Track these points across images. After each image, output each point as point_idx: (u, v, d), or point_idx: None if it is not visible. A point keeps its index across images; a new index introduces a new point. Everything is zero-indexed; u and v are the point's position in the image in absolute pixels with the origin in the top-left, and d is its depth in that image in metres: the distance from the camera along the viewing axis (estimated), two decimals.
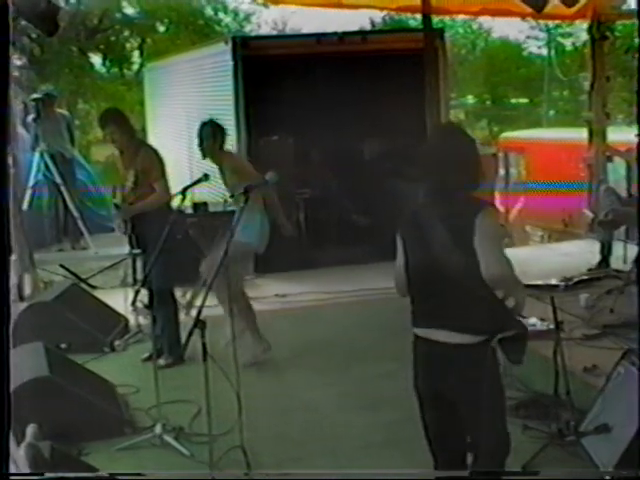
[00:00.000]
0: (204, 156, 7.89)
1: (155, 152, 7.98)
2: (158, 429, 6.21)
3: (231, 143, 11.26)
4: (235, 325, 7.82)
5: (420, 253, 4.20)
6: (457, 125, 5.08)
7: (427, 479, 4.96)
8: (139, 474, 4.87)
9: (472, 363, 4.07)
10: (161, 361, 7.57)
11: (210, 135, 7.77)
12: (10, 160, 9.88)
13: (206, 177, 7.52)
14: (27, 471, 4.15)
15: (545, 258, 11.46)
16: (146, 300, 7.62)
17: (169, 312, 7.87)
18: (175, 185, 7.76)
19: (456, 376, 4.14)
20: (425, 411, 4.43)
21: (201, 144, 7.81)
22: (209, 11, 35.61)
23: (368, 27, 33.49)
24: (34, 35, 25.82)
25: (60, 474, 4.42)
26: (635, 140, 9.76)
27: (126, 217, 7.81)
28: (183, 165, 12.52)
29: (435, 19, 11.28)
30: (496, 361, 4.15)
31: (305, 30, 29.82)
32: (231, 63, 11.07)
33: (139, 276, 9.88)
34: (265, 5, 23.84)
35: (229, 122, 11.31)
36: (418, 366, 4.32)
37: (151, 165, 7.81)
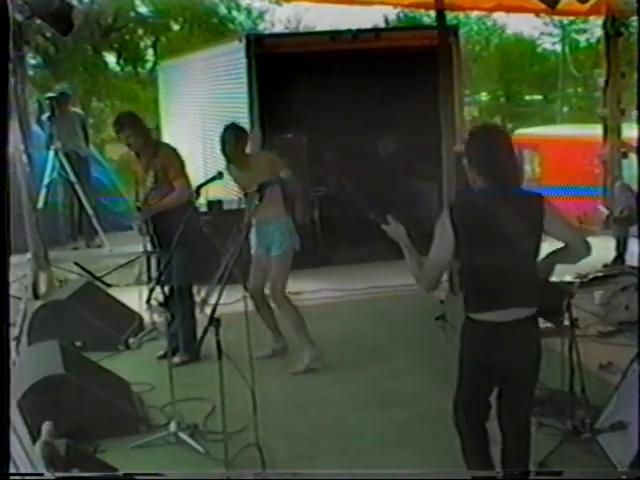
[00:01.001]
0: (229, 161, 7.82)
1: (174, 150, 8.00)
2: (173, 427, 6.22)
3: None
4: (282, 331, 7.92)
5: (487, 243, 4.46)
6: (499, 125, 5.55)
7: (443, 479, 4.97)
8: (156, 474, 4.88)
9: (528, 333, 4.64)
10: (176, 359, 7.58)
11: (234, 139, 7.70)
12: (25, 159, 10.00)
13: (220, 175, 7.54)
14: (43, 469, 4.15)
15: None
16: (161, 298, 7.62)
17: (185, 309, 7.88)
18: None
19: (516, 348, 4.58)
20: (479, 388, 4.69)
21: (224, 149, 7.76)
22: (223, 9, 35.63)
23: (382, 24, 33.46)
24: (49, 34, 25.93)
25: (60, 474, 4.42)
26: None
27: (147, 217, 7.82)
28: (197, 163, 12.53)
29: (449, 16, 11.28)
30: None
31: (319, 28, 29.77)
32: (245, 61, 11.08)
33: (154, 274, 9.92)
34: (278, 3, 23.76)
35: (243, 120, 11.32)
36: (477, 348, 4.58)
37: (170, 164, 7.83)
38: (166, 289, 7.26)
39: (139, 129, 7.88)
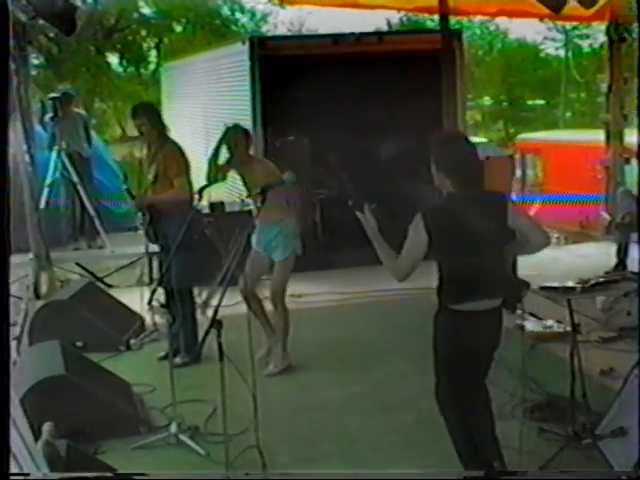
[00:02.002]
0: (229, 162, 7.79)
1: (179, 149, 7.93)
2: (174, 428, 6.22)
3: None
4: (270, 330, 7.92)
5: (460, 243, 4.83)
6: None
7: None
8: (142, 474, 4.87)
9: (499, 322, 5.04)
10: (178, 360, 7.58)
11: (240, 140, 7.69)
12: (27, 159, 10.00)
13: (224, 177, 7.54)
14: (45, 469, 4.14)
15: (562, 260, 11.41)
16: (162, 299, 7.62)
17: (187, 311, 7.87)
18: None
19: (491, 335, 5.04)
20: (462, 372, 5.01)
21: (229, 150, 7.74)
22: (226, 11, 35.72)
23: (385, 28, 33.53)
24: (52, 34, 25.96)
25: (60, 474, 4.41)
26: None
27: (139, 207, 7.78)
28: (199, 165, 12.51)
29: (452, 20, 11.25)
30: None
31: (321, 31, 29.88)
32: (248, 63, 11.08)
33: (155, 275, 9.93)
34: (281, 5, 23.79)
35: (246, 122, 11.32)
36: (457, 335, 4.91)
37: (172, 161, 7.78)
38: (168, 290, 7.27)
39: (154, 119, 7.86)
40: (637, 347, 6.76)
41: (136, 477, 4.77)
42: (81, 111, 13.87)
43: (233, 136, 7.70)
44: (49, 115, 12.25)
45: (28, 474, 3.97)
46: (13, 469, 3.70)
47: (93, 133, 14.11)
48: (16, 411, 3.86)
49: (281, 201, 7.44)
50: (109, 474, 4.95)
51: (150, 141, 7.86)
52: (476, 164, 4.99)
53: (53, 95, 12.58)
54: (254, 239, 7.84)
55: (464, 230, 4.80)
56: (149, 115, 7.84)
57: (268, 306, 7.89)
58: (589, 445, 5.54)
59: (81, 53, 30.42)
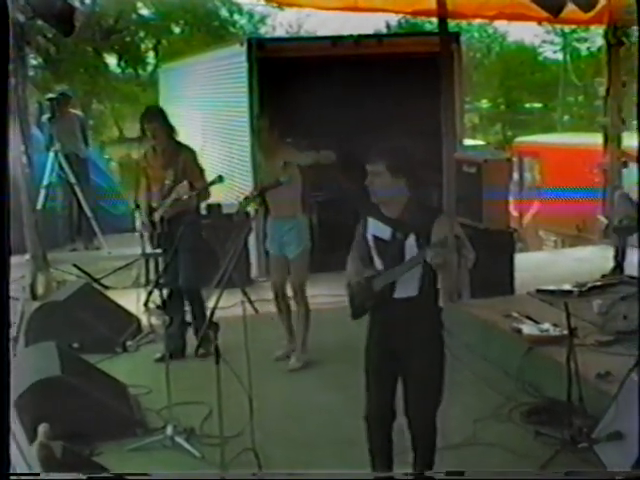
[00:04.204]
0: (260, 148, 8.02)
1: (195, 154, 8.15)
2: (169, 430, 6.22)
3: (245, 145, 11.29)
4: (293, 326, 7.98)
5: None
6: None
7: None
8: (146, 474, 4.87)
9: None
10: (202, 350, 7.75)
11: (268, 125, 7.84)
12: (25, 160, 9.99)
13: (220, 179, 7.56)
14: (39, 470, 4.14)
15: (559, 263, 11.41)
16: (159, 301, 7.63)
17: (199, 310, 8.08)
18: None
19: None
20: None
21: (258, 136, 7.94)
22: (224, 13, 35.67)
23: (384, 30, 33.57)
24: (50, 35, 25.93)
25: (60, 475, 4.41)
26: None
27: (168, 214, 7.82)
28: None
29: (451, 23, 11.23)
30: None
31: (320, 33, 29.86)
32: (246, 65, 11.08)
33: (152, 277, 9.92)
34: (280, 7, 23.77)
35: (243, 124, 11.31)
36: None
37: (193, 165, 7.99)
38: (165, 292, 7.27)
39: (166, 124, 8.00)
40: (634, 351, 6.77)
41: (139, 478, 4.76)
42: (78, 112, 13.84)
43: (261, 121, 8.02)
44: (46, 116, 12.23)
45: (28, 474, 3.98)
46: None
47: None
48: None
49: (294, 196, 7.52)
50: (110, 474, 4.94)
51: (162, 145, 7.94)
52: None
53: (50, 96, 12.56)
54: (267, 241, 7.92)
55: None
56: (159, 120, 7.96)
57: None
58: (585, 449, 5.54)
59: (79, 54, 30.39)
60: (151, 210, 8.03)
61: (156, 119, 7.97)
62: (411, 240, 4.80)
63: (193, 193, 7.63)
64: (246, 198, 7.74)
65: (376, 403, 5.20)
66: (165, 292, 7.48)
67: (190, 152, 8.11)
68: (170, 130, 8.03)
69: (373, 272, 4.98)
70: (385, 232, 4.96)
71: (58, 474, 4.45)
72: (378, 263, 5.00)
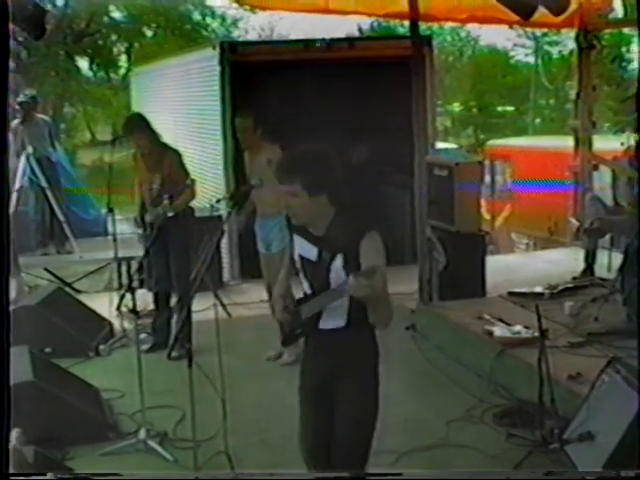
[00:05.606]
0: (244, 147, 8.01)
1: (181, 156, 8.14)
2: (142, 434, 6.20)
3: (217, 149, 11.29)
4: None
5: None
6: None
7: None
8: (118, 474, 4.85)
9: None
10: (175, 353, 7.61)
11: (251, 124, 7.84)
12: None
13: (192, 182, 7.56)
14: None
15: (530, 265, 11.46)
16: (130, 304, 7.61)
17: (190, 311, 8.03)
18: None
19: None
20: None
21: (240, 133, 7.93)
22: (197, 16, 35.60)
23: (356, 34, 33.60)
24: (21, 38, 25.76)
25: (60, 475, 4.40)
26: (621, 148, 9.85)
27: (164, 217, 7.81)
28: None
29: (423, 26, 11.29)
30: None
31: (292, 36, 29.84)
32: (219, 68, 11.07)
33: (124, 280, 9.90)
34: (252, 10, 23.77)
35: (216, 128, 11.31)
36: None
37: (179, 167, 8.01)
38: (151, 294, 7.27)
39: (148, 130, 7.98)
40: (605, 352, 6.82)
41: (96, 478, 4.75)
42: (44, 117, 13.72)
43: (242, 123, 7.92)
44: (17, 120, 12.16)
45: (28, 474, 3.98)
46: None
47: None
48: None
49: (277, 194, 7.53)
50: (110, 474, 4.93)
51: (148, 151, 7.95)
52: None
53: (22, 100, 12.47)
54: (257, 241, 7.95)
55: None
56: (142, 128, 7.95)
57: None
58: (556, 449, 5.56)
59: (50, 57, 30.19)
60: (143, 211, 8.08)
61: (138, 129, 7.93)
62: (338, 262, 4.13)
63: (177, 202, 7.72)
64: (218, 201, 7.75)
65: (311, 432, 4.81)
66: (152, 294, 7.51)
67: (176, 154, 8.11)
68: (153, 136, 8.00)
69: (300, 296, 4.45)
70: (311, 252, 4.33)
71: (60, 474, 4.44)
72: (306, 286, 4.41)
